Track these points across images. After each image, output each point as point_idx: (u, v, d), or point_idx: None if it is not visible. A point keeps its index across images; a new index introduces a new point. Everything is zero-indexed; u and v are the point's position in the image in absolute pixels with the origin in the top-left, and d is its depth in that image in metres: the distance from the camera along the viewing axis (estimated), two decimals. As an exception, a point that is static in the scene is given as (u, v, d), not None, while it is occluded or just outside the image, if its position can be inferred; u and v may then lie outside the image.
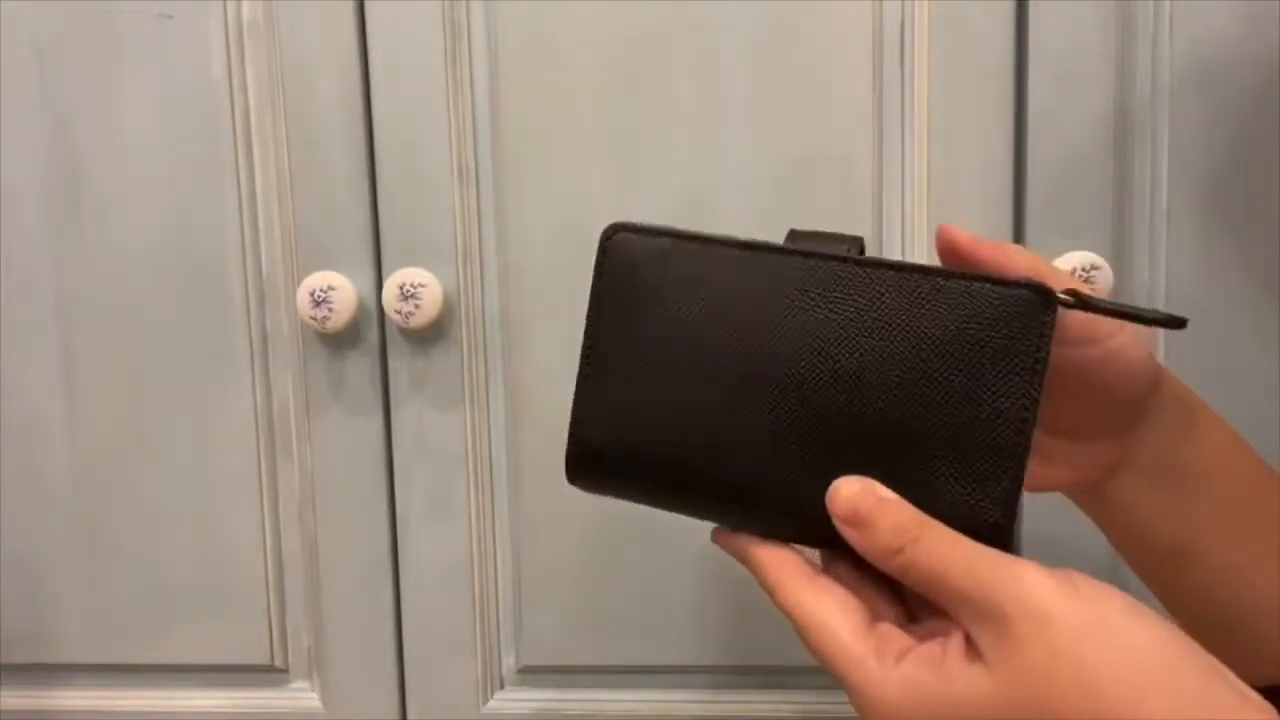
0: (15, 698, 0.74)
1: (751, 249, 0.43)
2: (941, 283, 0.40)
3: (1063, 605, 0.35)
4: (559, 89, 0.65)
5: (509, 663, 0.71)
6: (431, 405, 0.67)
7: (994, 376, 0.39)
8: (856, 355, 0.40)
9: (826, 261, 0.41)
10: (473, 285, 0.67)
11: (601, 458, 0.44)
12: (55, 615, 0.72)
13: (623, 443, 0.44)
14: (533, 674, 0.71)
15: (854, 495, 0.39)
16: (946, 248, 0.44)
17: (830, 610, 0.38)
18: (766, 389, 0.41)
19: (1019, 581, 0.35)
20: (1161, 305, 0.63)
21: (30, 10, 0.67)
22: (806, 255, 0.42)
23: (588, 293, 0.46)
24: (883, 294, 0.40)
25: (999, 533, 0.39)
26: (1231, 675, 0.34)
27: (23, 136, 0.68)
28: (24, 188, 0.68)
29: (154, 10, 0.66)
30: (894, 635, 0.38)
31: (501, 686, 0.71)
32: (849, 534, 0.39)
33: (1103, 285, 0.61)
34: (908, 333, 0.40)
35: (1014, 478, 0.39)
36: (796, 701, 0.69)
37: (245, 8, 0.66)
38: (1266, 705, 0.34)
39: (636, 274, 0.45)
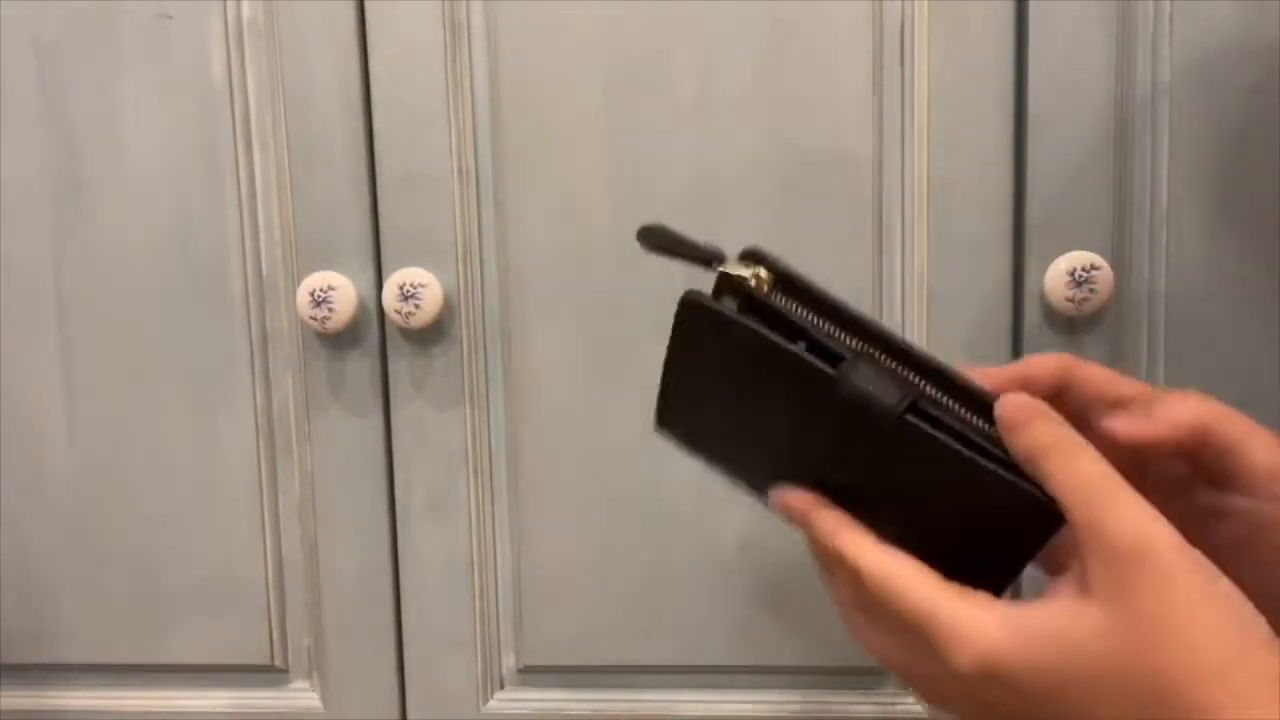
0: (15, 698, 0.74)
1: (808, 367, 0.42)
2: (981, 464, 0.40)
3: (1182, 560, 0.35)
4: (559, 89, 0.65)
5: (509, 663, 0.71)
6: (431, 405, 0.67)
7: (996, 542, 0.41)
8: (882, 483, 0.42)
9: (876, 404, 0.40)
10: (473, 285, 0.67)
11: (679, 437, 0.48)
12: (55, 615, 0.72)
13: (695, 447, 0.48)
14: (533, 674, 0.71)
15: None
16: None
17: (912, 563, 0.39)
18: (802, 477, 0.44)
19: (1147, 526, 0.35)
20: (1162, 305, 0.63)
21: (30, 10, 0.67)
22: (854, 392, 0.41)
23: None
24: (922, 455, 0.40)
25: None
26: None
27: (23, 136, 0.68)
28: (24, 188, 0.68)
29: (154, 10, 0.66)
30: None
31: (501, 686, 0.71)
32: (1009, 438, 0.39)
33: (1103, 285, 0.61)
34: (937, 487, 0.41)
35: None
36: (797, 701, 0.69)
37: (245, 8, 0.66)
38: None
39: (703, 348, 0.45)
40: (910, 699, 0.68)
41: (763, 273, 0.43)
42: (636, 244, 0.45)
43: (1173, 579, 0.34)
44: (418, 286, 0.64)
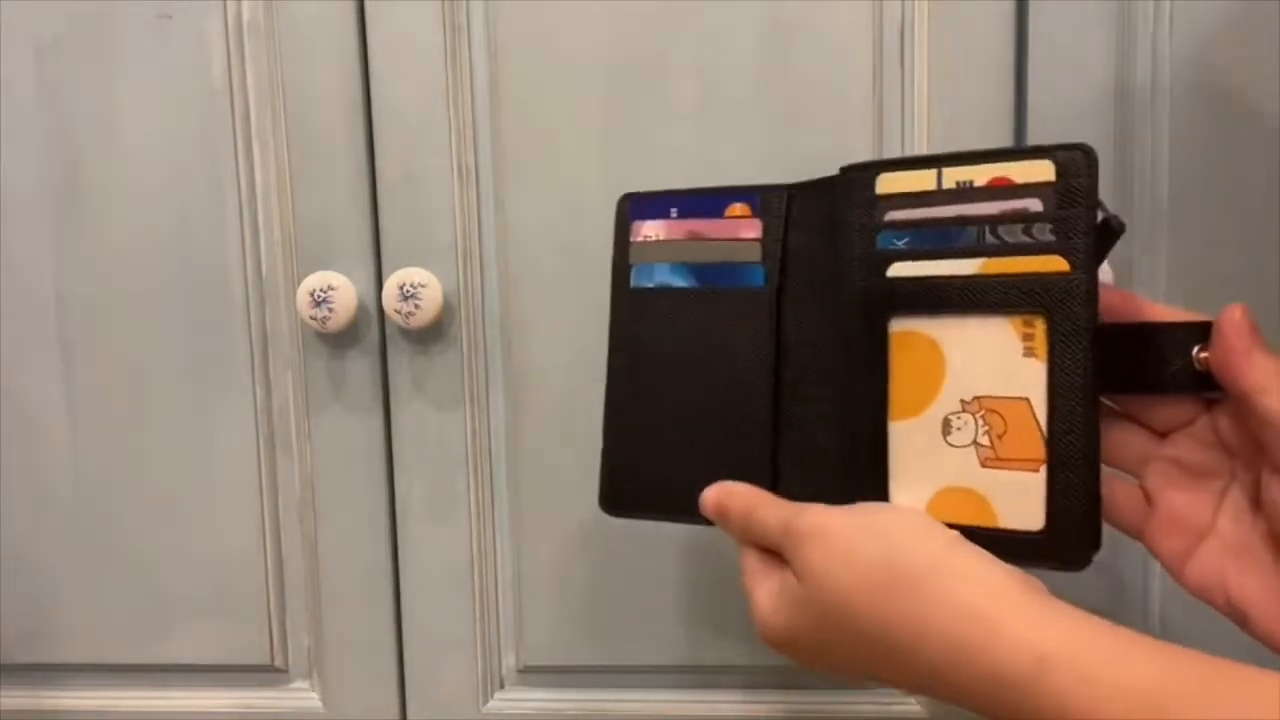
0: (15, 698, 0.74)
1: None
2: None
3: (837, 518, 0.44)
4: (559, 89, 0.65)
5: (509, 663, 0.71)
6: (431, 405, 0.67)
7: None
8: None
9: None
10: (473, 285, 0.67)
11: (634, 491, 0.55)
12: (55, 615, 0.72)
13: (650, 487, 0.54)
14: (533, 674, 0.71)
15: (714, 497, 0.50)
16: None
17: (743, 556, 0.49)
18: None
19: (804, 515, 0.45)
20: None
21: (30, 10, 0.67)
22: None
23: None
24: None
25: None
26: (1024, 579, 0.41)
27: (23, 136, 0.68)
28: (24, 188, 0.68)
29: (154, 10, 0.66)
30: (771, 562, 0.47)
31: (501, 686, 0.71)
32: (721, 526, 0.50)
33: (1102, 285, 0.61)
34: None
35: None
36: (796, 701, 0.69)
37: (245, 8, 0.66)
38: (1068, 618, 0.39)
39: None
40: (908, 699, 0.68)
41: None
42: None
43: (829, 538, 0.43)
44: (418, 286, 0.64)
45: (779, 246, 0.51)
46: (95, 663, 0.73)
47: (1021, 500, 0.44)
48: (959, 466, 0.45)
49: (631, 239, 0.54)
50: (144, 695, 0.73)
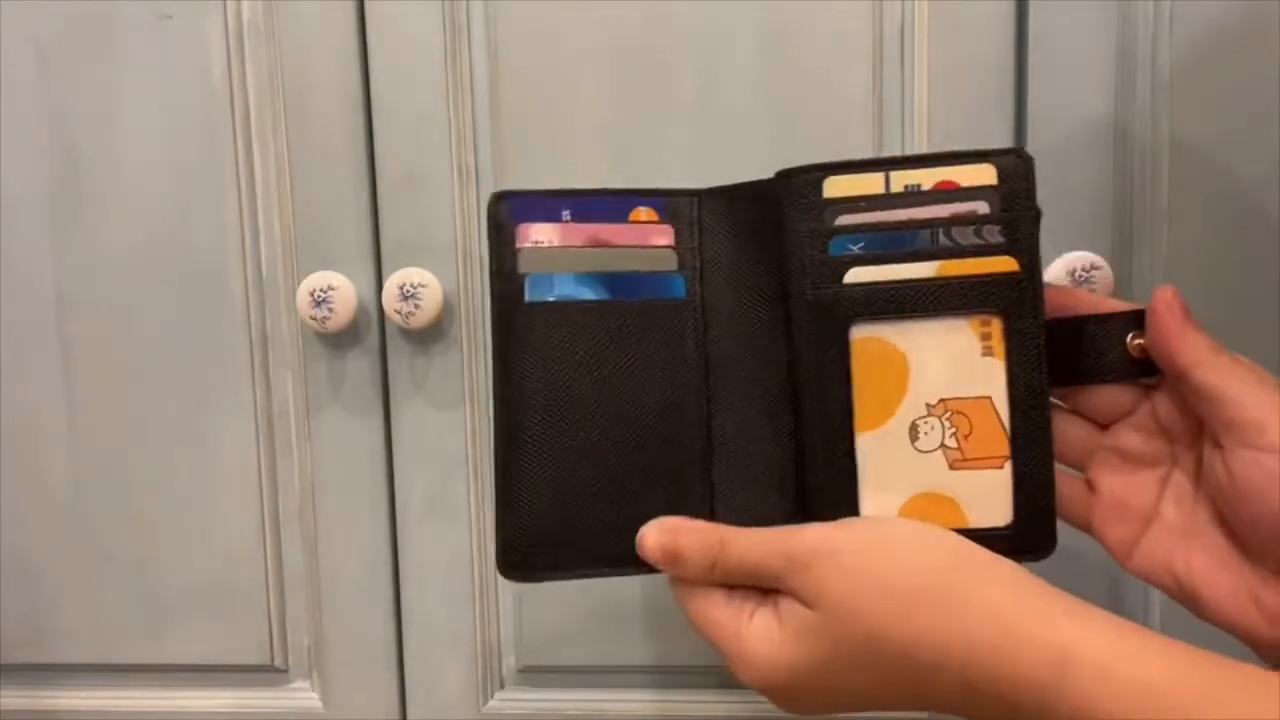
0: (15, 698, 0.74)
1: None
2: None
3: (843, 536, 0.42)
4: (559, 89, 0.65)
5: (509, 663, 0.71)
6: (431, 405, 0.67)
7: None
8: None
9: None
10: (473, 285, 0.67)
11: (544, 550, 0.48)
12: (55, 615, 0.72)
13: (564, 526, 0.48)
14: (533, 674, 0.71)
15: (658, 539, 0.45)
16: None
17: (699, 596, 0.45)
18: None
19: (803, 537, 0.43)
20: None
21: (30, 10, 0.67)
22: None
23: None
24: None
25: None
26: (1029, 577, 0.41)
27: (23, 136, 0.68)
28: (24, 188, 0.68)
29: (154, 10, 0.66)
30: (746, 596, 0.44)
31: (501, 686, 0.71)
32: (671, 571, 0.45)
33: (1102, 285, 0.61)
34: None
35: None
36: (796, 701, 0.69)
37: (245, 8, 0.66)
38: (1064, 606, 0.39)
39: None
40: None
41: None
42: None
43: (841, 557, 0.42)
44: (418, 286, 0.64)
45: (696, 255, 0.49)
46: (95, 663, 0.73)
47: (989, 498, 0.45)
48: (929, 471, 0.46)
49: (518, 245, 0.48)
50: (144, 695, 0.73)
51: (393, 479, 0.69)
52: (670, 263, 0.48)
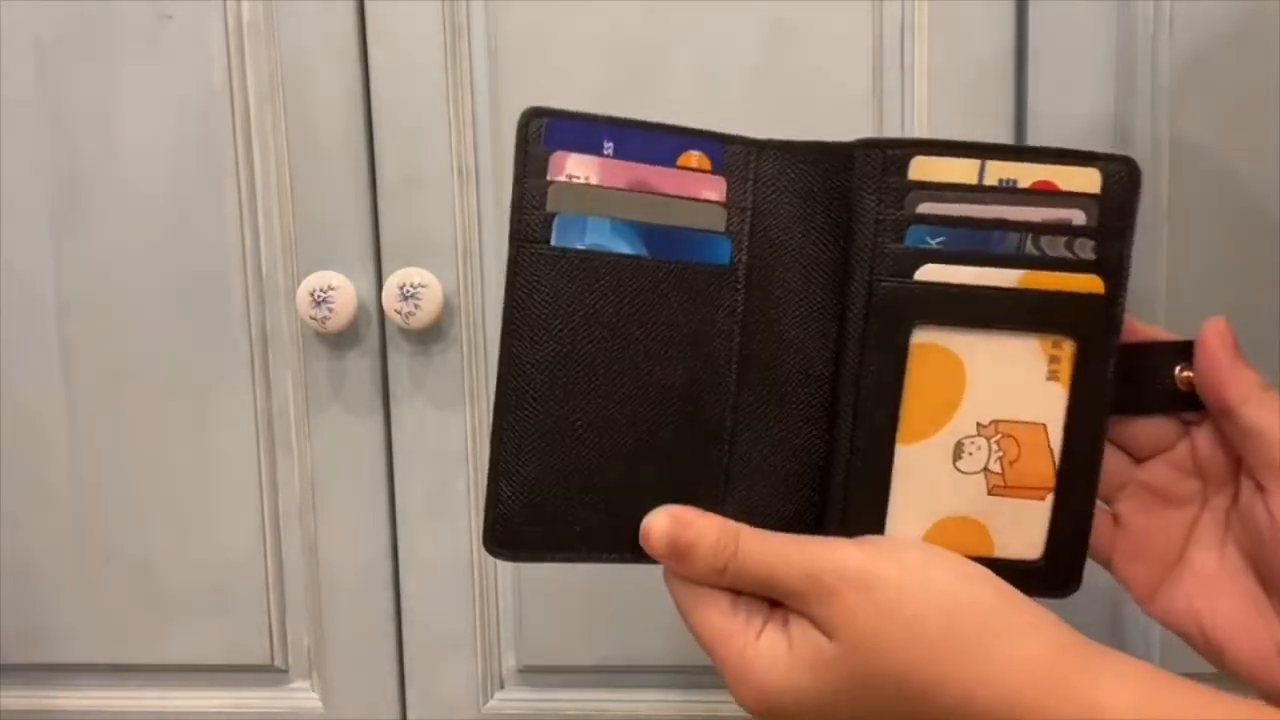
0: (15, 698, 0.74)
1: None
2: None
3: (879, 566, 0.39)
4: (559, 89, 0.65)
5: (509, 663, 0.71)
6: (431, 405, 0.67)
7: None
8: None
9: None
10: (473, 285, 0.67)
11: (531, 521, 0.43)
12: (55, 615, 0.72)
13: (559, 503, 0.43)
14: (533, 674, 0.71)
15: (667, 529, 0.41)
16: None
17: (702, 598, 0.41)
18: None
19: (833, 558, 0.39)
20: (1162, 307, 0.63)
21: (30, 10, 0.67)
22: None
23: None
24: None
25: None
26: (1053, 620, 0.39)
27: (23, 136, 0.68)
28: (24, 188, 0.68)
29: (154, 10, 0.66)
30: (755, 608, 0.41)
31: (501, 686, 0.71)
32: (674, 566, 0.41)
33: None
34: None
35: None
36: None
37: (245, 8, 0.66)
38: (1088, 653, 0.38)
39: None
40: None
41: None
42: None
43: (878, 590, 0.38)
44: (418, 286, 0.64)
45: (746, 217, 0.43)
46: (95, 663, 0.73)
47: (1022, 529, 0.43)
48: (965, 494, 0.42)
49: (550, 177, 0.41)
50: (144, 695, 0.73)
51: (393, 479, 0.69)
52: (718, 221, 0.42)
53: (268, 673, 0.72)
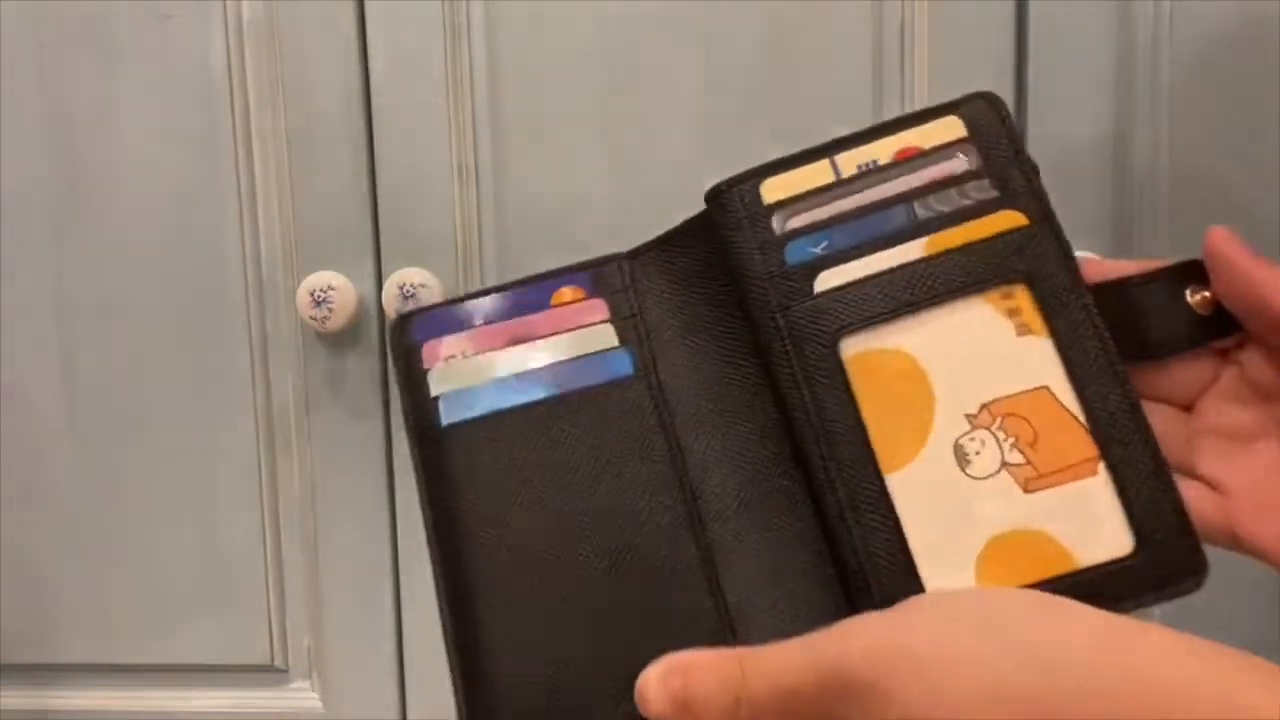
0: (15, 698, 0.74)
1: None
2: None
3: (915, 640, 0.30)
4: (559, 88, 0.65)
5: (509, 663, 0.71)
6: (431, 405, 0.67)
7: None
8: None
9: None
10: (472, 285, 0.67)
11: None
12: (55, 615, 0.72)
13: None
14: (533, 674, 0.71)
15: (660, 685, 0.32)
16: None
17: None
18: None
19: (848, 650, 0.30)
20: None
21: (30, 10, 0.67)
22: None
23: None
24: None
25: None
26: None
27: (23, 136, 0.68)
28: (24, 188, 0.68)
29: (154, 10, 0.66)
30: None
31: (501, 686, 0.71)
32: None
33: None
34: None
35: None
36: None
37: (245, 8, 0.66)
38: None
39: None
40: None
41: None
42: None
43: (924, 670, 0.28)
44: (418, 286, 0.64)
45: (639, 322, 0.40)
46: (95, 663, 0.73)
47: (1092, 520, 0.34)
48: (997, 504, 0.34)
49: (427, 366, 0.40)
50: (144, 695, 0.73)
51: (392, 479, 0.69)
52: (608, 339, 0.40)
53: (268, 673, 0.72)
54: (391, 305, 0.64)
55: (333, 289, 0.65)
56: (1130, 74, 0.62)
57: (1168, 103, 0.62)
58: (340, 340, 0.67)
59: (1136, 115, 0.62)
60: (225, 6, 0.66)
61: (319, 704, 0.72)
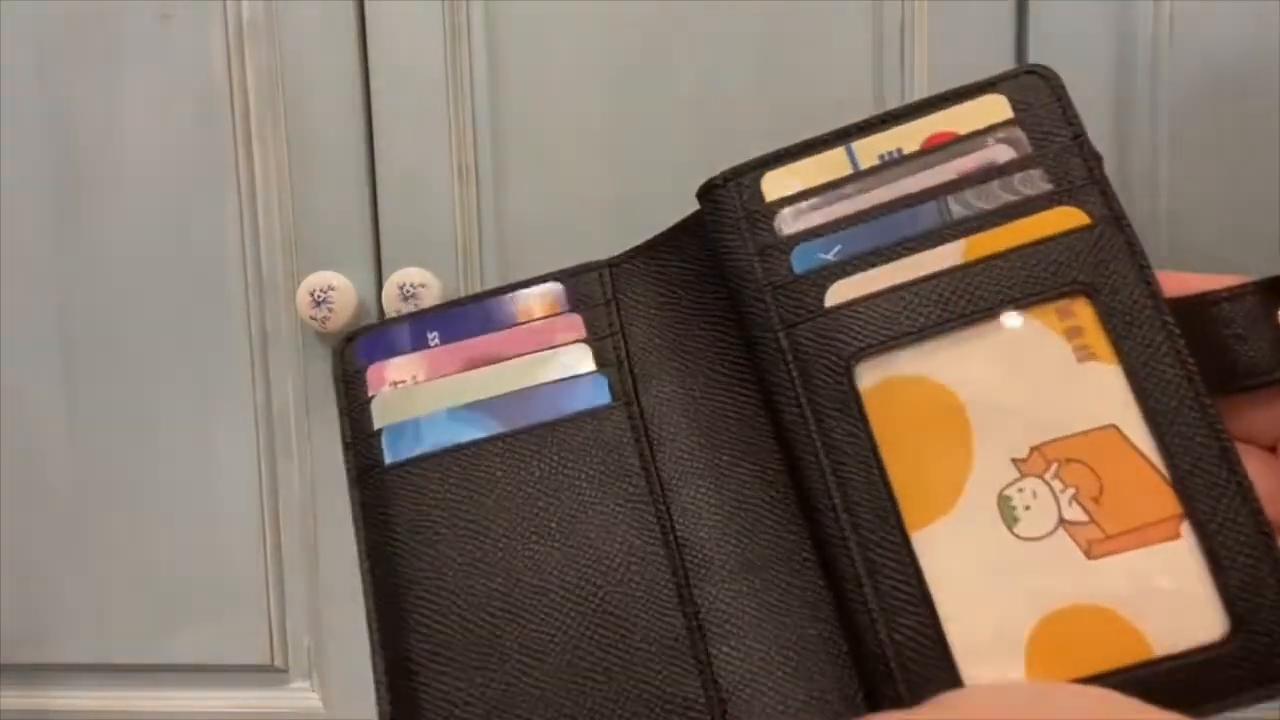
0: (15, 698, 0.74)
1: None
2: None
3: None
4: (559, 88, 0.65)
5: (509, 663, 0.71)
6: (431, 405, 0.67)
7: None
8: None
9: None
10: (472, 285, 0.67)
11: None
12: (55, 615, 0.72)
13: None
14: (533, 674, 0.71)
15: None
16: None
17: None
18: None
19: None
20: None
21: (30, 10, 0.67)
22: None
23: None
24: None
25: None
26: None
27: (23, 136, 0.68)
28: (24, 188, 0.68)
29: (154, 10, 0.66)
30: None
31: (501, 686, 0.71)
32: None
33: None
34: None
35: None
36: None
37: (245, 8, 0.66)
38: None
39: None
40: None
41: None
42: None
43: None
44: (418, 286, 0.64)
45: (619, 342, 0.35)
46: (95, 663, 0.73)
47: (1175, 596, 0.27)
48: (1054, 572, 0.28)
49: (370, 393, 0.35)
50: (144, 695, 0.73)
51: (393, 479, 0.69)
52: (584, 361, 0.35)
53: (268, 673, 0.72)
54: (391, 305, 0.64)
55: (333, 289, 0.65)
56: (1130, 74, 0.62)
57: (1168, 102, 0.62)
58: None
59: (1136, 115, 0.62)
60: (225, 7, 0.66)
61: (319, 704, 0.72)
